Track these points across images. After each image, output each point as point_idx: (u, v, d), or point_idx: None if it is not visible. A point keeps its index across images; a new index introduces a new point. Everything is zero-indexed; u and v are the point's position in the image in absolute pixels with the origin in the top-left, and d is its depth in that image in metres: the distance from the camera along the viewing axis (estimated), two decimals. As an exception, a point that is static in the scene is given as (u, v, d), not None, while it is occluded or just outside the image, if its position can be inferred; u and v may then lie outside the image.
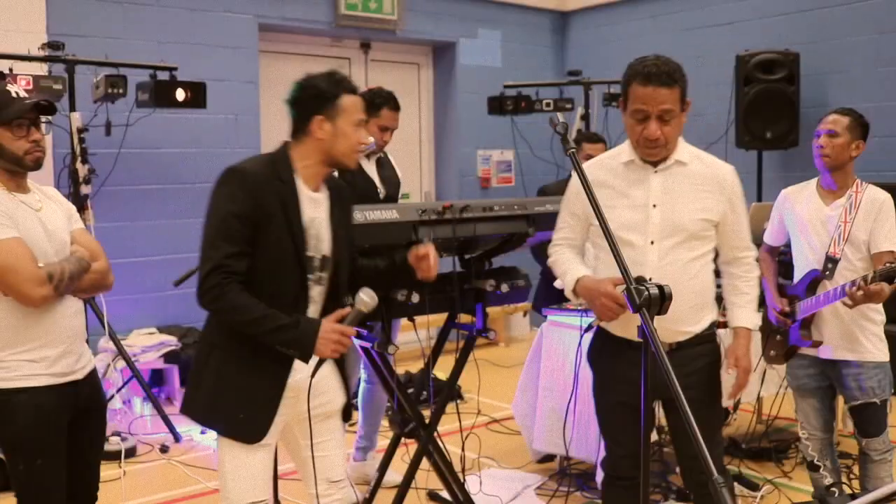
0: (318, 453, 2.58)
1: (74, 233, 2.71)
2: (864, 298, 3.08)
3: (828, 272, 3.32)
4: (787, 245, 3.68)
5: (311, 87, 2.46)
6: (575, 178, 2.66)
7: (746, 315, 2.83)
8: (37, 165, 2.60)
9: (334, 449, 2.64)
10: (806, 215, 3.44)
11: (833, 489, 3.55)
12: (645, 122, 2.59)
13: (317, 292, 2.52)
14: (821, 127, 3.41)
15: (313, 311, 2.52)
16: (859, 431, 3.41)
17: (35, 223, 2.56)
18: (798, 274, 3.48)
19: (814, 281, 3.38)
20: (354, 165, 2.57)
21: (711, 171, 2.73)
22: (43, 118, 2.66)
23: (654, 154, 2.66)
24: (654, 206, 2.65)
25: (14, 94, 2.58)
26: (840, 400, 3.82)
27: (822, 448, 3.52)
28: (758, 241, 4.37)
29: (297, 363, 2.47)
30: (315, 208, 2.49)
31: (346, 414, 2.69)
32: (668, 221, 2.63)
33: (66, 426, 2.63)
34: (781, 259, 3.81)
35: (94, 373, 2.78)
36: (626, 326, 2.61)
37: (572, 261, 2.79)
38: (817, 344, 3.39)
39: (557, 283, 4.22)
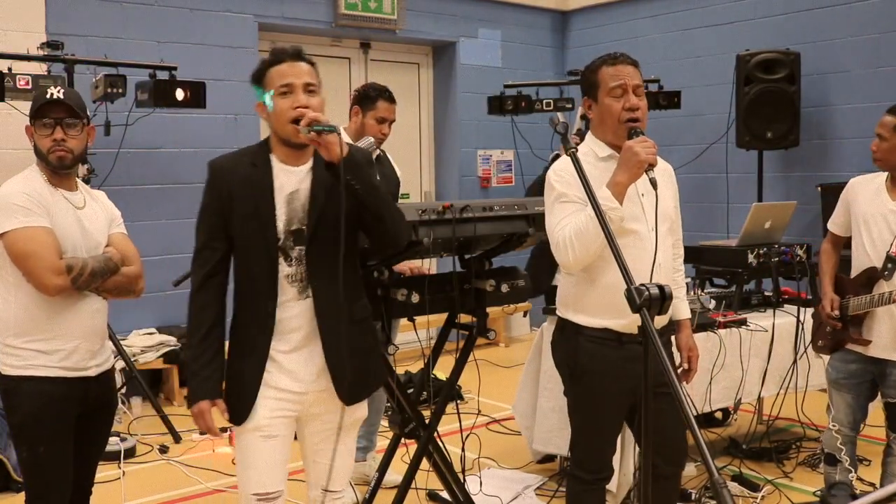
0: (319, 459, 2.58)
1: (113, 236, 2.78)
2: None
3: (887, 272, 3.28)
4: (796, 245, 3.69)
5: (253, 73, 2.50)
6: (563, 171, 2.69)
7: (686, 307, 3.00)
8: (61, 163, 2.65)
9: (335, 460, 2.58)
10: (868, 209, 3.38)
11: (836, 489, 3.55)
12: (625, 96, 2.67)
13: (322, 265, 2.39)
14: (878, 129, 3.36)
15: (321, 285, 2.40)
16: (890, 426, 3.44)
17: (72, 219, 2.63)
18: (856, 270, 3.44)
19: (871, 279, 3.34)
20: (294, 136, 2.36)
21: (663, 165, 2.85)
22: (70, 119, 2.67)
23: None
24: (643, 195, 2.69)
25: (48, 95, 2.65)
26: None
27: (844, 444, 3.52)
28: (759, 240, 4.37)
29: (298, 366, 2.45)
30: (297, 181, 2.42)
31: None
32: (658, 209, 2.68)
33: (75, 420, 2.68)
34: (799, 260, 3.80)
35: (109, 373, 2.83)
36: (620, 318, 2.65)
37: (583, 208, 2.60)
38: (866, 343, 3.38)
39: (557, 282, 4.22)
